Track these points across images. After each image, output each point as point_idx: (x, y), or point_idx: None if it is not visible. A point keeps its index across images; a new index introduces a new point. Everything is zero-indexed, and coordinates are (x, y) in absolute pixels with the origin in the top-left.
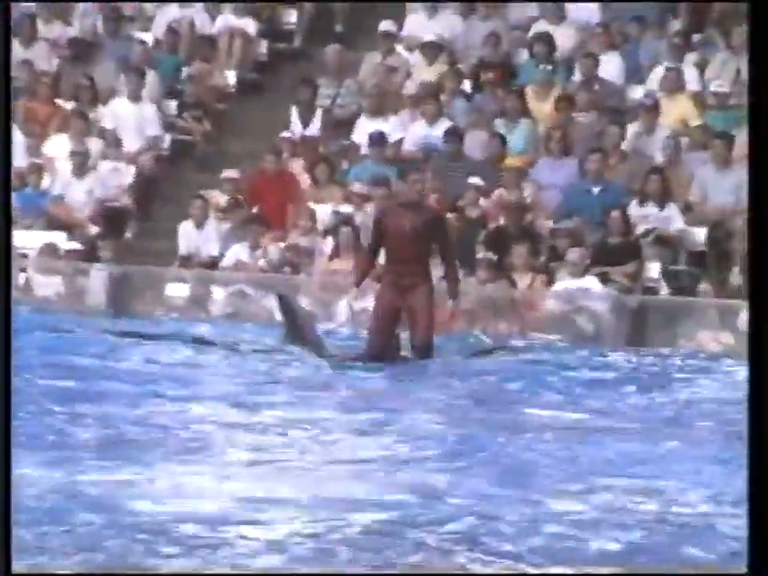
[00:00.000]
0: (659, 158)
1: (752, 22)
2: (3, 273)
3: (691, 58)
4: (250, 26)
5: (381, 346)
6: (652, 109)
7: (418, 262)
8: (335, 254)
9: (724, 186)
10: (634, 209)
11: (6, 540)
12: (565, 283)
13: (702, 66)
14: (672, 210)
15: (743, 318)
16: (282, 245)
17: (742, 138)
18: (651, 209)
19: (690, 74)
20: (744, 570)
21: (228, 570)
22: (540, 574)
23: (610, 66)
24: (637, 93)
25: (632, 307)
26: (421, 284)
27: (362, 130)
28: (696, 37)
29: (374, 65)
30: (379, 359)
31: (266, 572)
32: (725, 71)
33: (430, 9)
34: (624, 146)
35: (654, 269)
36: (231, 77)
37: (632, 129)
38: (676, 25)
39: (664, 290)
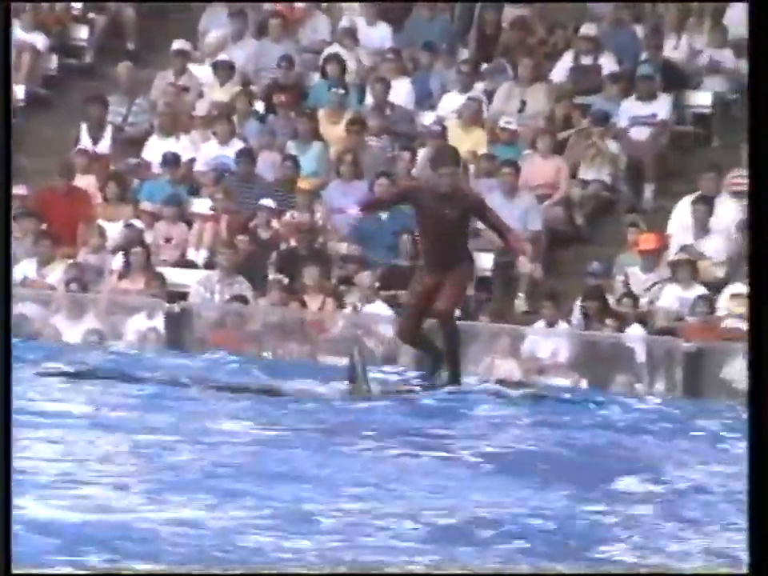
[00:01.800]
0: None
1: (752, 22)
2: (3, 272)
3: (479, 86)
4: (39, 41)
5: (410, 330)
6: (441, 135)
7: (458, 247)
8: (125, 273)
9: (512, 214)
10: None
11: (6, 540)
12: (354, 306)
13: (489, 95)
14: None
15: (527, 345)
16: (71, 262)
17: (526, 168)
18: None
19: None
20: (744, 570)
21: (228, 570)
22: (540, 574)
23: (401, 92)
24: (427, 119)
25: None
26: (460, 265)
27: (153, 149)
28: (484, 66)
29: (166, 83)
30: (408, 344)
31: (266, 572)
32: (511, 101)
33: (226, 28)
34: (414, 171)
35: None
36: (20, 91)
37: (422, 154)
38: (465, 53)
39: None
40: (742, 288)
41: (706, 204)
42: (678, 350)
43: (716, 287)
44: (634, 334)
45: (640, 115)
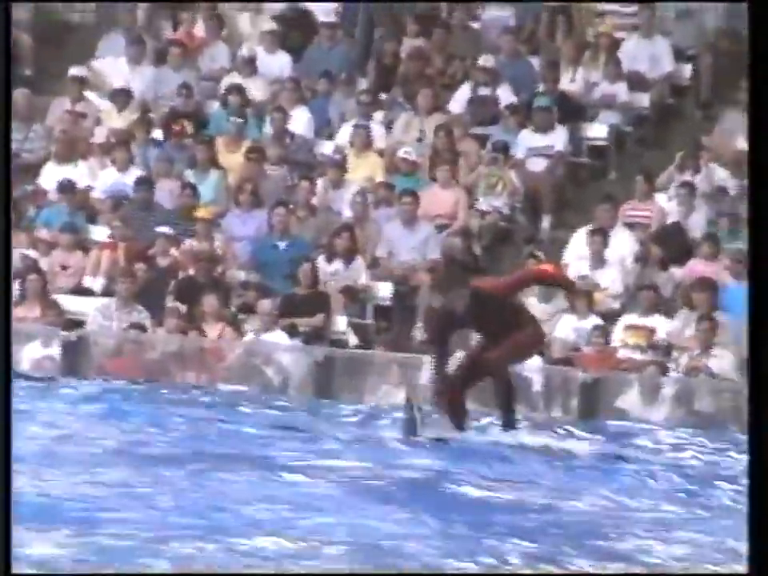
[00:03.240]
0: (348, 214)
1: (752, 22)
2: (3, 273)
3: (378, 116)
4: None
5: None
6: (340, 164)
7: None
8: (20, 300)
9: (410, 243)
10: (321, 263)
11: (6, 540)
12: (253, 334)
13: (388, 125)
14: (358, 265)
15: (425, 373)
16: None
17: (426, 198)
18: (338, 264)
19: (378, 132)
20: (744, 570)
21: (229, 570)
22: (540, 573)
23: (300, 121)
24: (326, 148)
25: (318, 360)
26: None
27: (50, 176)
28: (383, 96)
29: (63, 110)
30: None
31: (266, 572)
32: (410, 131)
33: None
34: (314, 200)
35: (341, 322)
36: None
37: (321, 183)
38: (364, 83)
39: (353, 342)
40: (636, 319)
41: (601, 235)
42: (574, 379)
43: (611, 317)
44: (531, 363)
45: (537, 146)
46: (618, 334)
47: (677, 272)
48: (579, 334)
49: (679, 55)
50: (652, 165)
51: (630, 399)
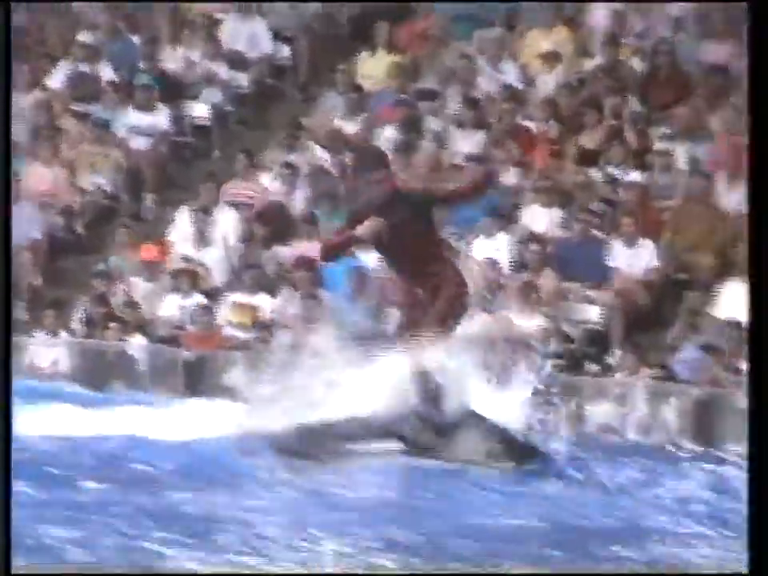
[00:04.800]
0: None
1: (753, 22)
2: (3, 273)
3: None
4: None
5: None
6: None
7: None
8: None
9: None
10: None
11: (6, 540)
12: None
13: None
14: None
15: (28, 355)
16: None
17: (29, 176)
18: None
19: None
20: (744, 570)
21: (229, 570)
22: (540, 573)
23: None
24: None
25: None
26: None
27: None
28: None
29: None
30: None
31: (266, 572)
32: None
33: None
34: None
35: None
36: None
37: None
38: None
39: None
40: (240, 297)
41: (205, 214)
42: (179, 358)
43: (215, 296)
44: (136, 342)
45: (139, 125)
46: (222, 313)
47: (280, 251)
48: (183, 313)
49: (277, 36)
50: (254, 144)
51: (235, 376)
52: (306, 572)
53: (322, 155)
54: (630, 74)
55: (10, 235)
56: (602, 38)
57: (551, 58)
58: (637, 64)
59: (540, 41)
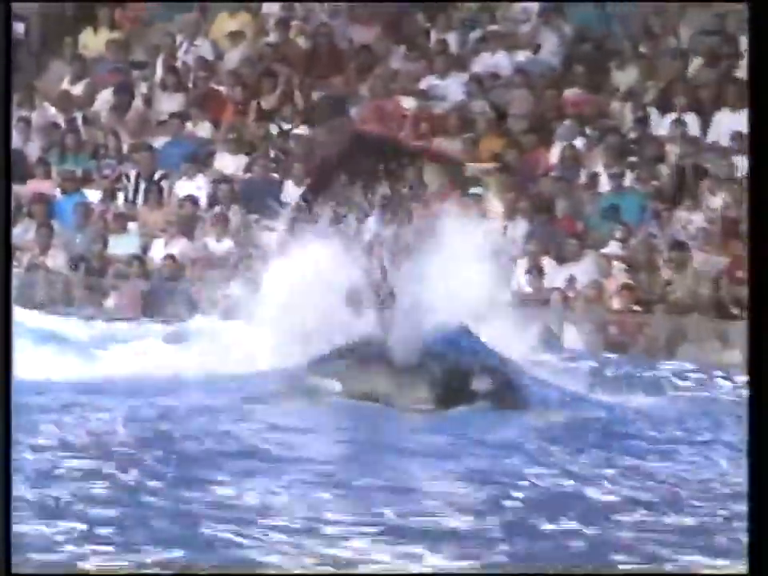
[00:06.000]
0: None
1: (753, 22)
2: (3, 272)
3: None
4: None
5: None
6: None
7: None
8: None
9: None
10: None
11: (6, 540)
12: None
13: None
14: None
15: None
16: None
17: None
18: None
19: None
20: (744, 570)
21: (229, 570)
22: (540, 573)
23: None
24: None
25: None
26: None
27: None
28: None
29: None
30: None
31: (266, 572)
32: None
33: None
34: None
35: None
36: None
37: None
38: None
39: None
40: None
41: None
42: None
43: None
44: None
45: None
46: None
47: (19, 189)
48: None
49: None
50: None
51: None
52: (306, 572)
53: (51, 112)
54: (297, 50)
55: (10, 235)
56: (275, 21)
57: (236, 37)
58: (302, 42)
59: (227, 22)
